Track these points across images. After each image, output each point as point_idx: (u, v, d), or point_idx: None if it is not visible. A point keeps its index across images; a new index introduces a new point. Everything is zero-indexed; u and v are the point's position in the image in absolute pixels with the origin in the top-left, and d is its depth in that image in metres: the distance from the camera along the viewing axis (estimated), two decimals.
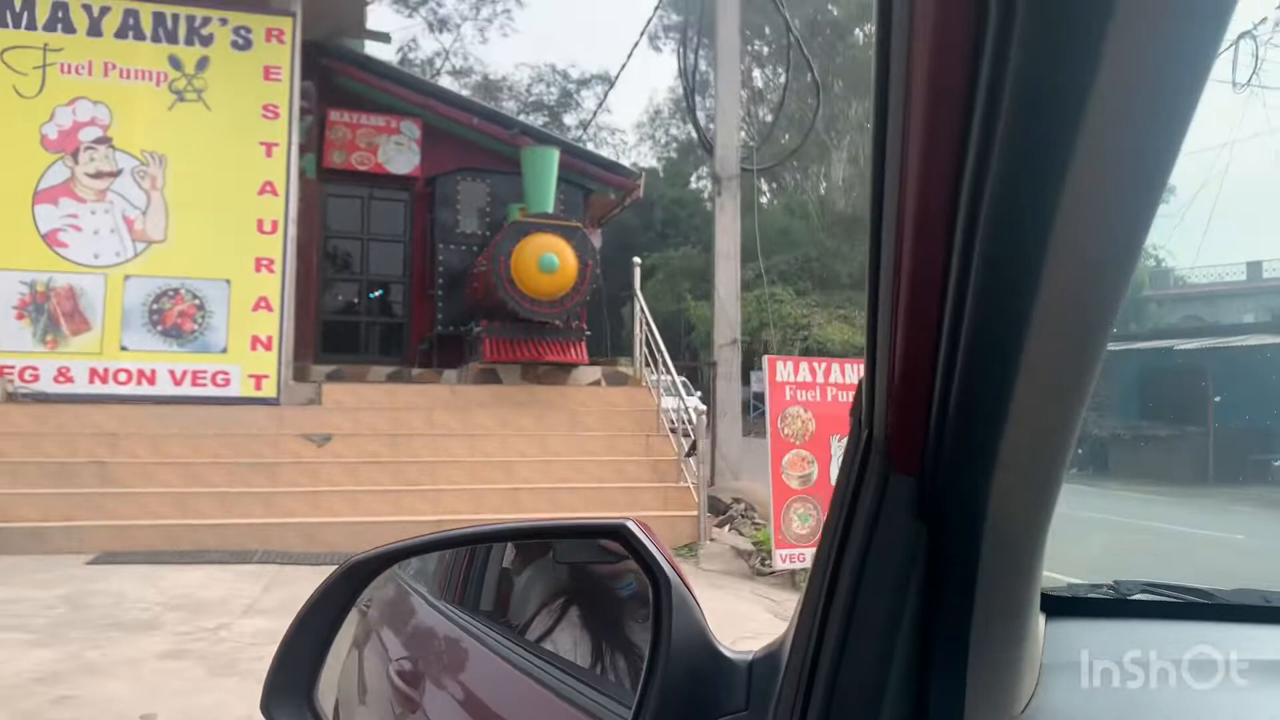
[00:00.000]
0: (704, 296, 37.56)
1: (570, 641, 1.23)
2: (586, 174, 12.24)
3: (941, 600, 0.64)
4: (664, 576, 0.85)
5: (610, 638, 1.16)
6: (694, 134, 13.54)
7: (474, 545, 1.48)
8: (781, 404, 8.17)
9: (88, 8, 9.21)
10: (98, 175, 9.15)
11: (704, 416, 8.62)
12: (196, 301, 9.27)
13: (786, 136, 44.63)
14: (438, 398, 9.84)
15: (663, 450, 9.42)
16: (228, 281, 9.35)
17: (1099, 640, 0.82)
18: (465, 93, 50.90)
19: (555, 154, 10.26)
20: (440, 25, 50.95)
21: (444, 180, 11.57)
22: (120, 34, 9.28)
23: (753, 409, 34.88)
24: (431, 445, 9.11)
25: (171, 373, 9.13)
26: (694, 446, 8.66)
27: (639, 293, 10.73)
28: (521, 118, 52.14)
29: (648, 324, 10.35)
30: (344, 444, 8.97)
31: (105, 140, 9.20)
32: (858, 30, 40.73)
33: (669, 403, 9.84)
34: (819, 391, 8.33)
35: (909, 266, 0.57)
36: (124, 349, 9.04)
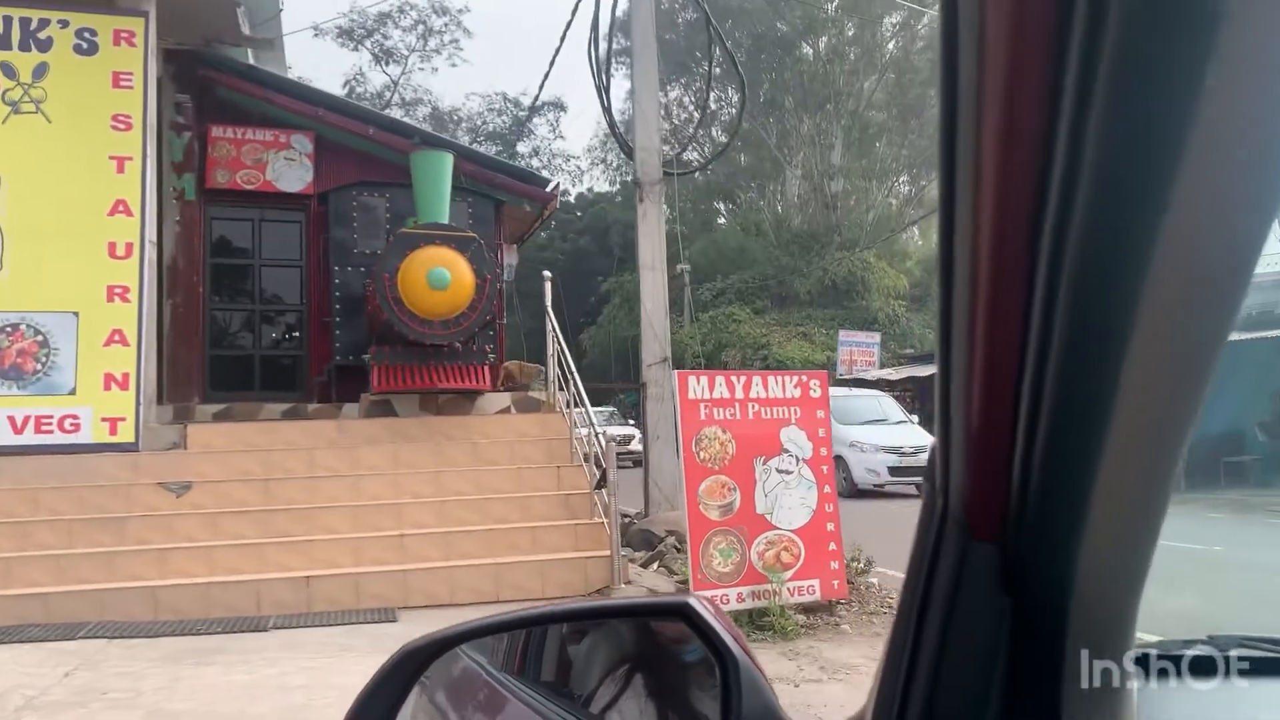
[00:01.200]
0: None
1: (635, 712, 1.17)
2: (497, 185, 11.26)
3: (1029, 674, 0.61)
4: (731, 656, 0.82)
5: (676, 708, 1.11)
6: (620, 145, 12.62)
7: (529, 629, 1.51)
8: (696, 424, 7.19)
9: None
10: None
11: (613, 444, 7.60)
12: (39, 338, 8.18)
13: (740, 153, 44.02)
14: (322, 436, 8.78)
15: (576, 483, 8.39)
16: (75, 314, 8.27)
17: (1197, 704, 0.82)
18: (420, 125, 50.16)
19: (448, 159, 9.27)
20: (386, 57, 50.29)
21: (338, 196, 10.55)
22: None
23: None
24: (309, 490, 8.04)
25: (11, 419, 8.02)
26: (603, 478, 7.65)
27: (550, 310, 9.72)
28: (476, 147, 51.42)
29: (560, 344, 9.33)
30: (206, 493, 7.89)
31: None
32: (805, 45, 40.17)
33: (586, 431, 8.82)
34: (738, 409, 7.36)
35: (985, 312, 0.54)
36: None
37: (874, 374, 28.55)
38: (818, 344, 34.55)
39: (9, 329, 8.12)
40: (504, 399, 9.58)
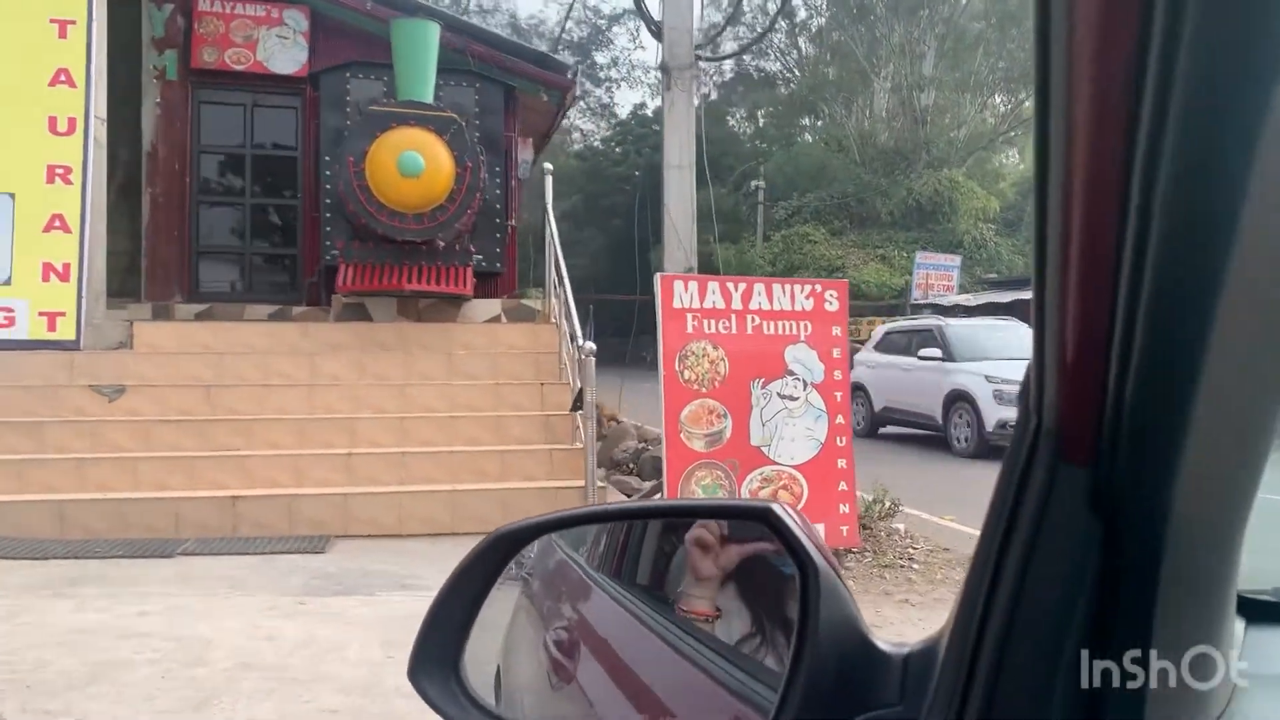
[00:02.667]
0: (727, 239, 35.21)
1: (725, 620, 1.18)
2: (511, 70, 10.06)
3: (1119, 599, 0.61)
4: (812, 563, 0.83)
5: (768, 619, 1.12)
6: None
7: (619, 521, 1.57)
8: (681, 338, 6.07)
9: None
10: None
11: (591, 359, 6.50)
12: None
13: (828, 65, 41.78)
14: (283, 339, 7.87)
15: (561, 402, 7.35)
16: (11, 195, 7.43)
17: None
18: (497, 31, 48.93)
19: (433, 28, 8.12)
20: None
21: (330, 77, 9.49)
22: None
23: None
24: (258, 399, 7.16)
25: None
26: (580, 397, 6.58)
27: (549, 208, 8.58)
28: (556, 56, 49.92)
29: (555, 246, 8.20)
30: (144, 398, 7.06)
31: None
32: None
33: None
34: (734, 321, 6.21)
35: (1080, 228, 0.54)
36: None
37: (951, 299, 26.82)
38: (896, 267, 32.79)
39: None
40: (494, 306, 8.54)
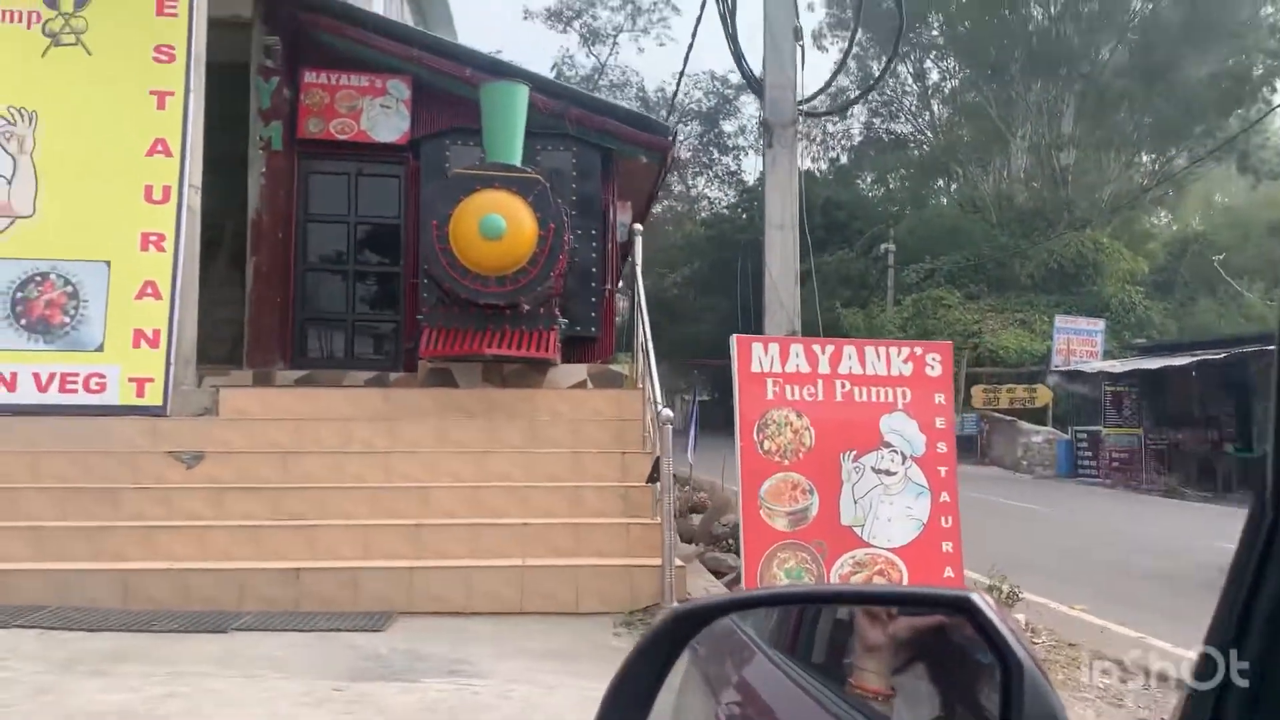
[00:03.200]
0: (855, 304, 34.30)
1: (911, 708, 1.12)
2: (608, 132, 9.87)
3: None
4: (1015, 659, 0.79)
5: (952, 706, 1.07)
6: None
7: (804, 605, 1.56)
8: (760, 405, 5.60)
9: None
10: None
11: (669, 426, 6.06)
12: (69, 288, 7.51)
13: (961, 127, 40.84)
14: (366, 405, 7.71)
15: (643, 473, 6.91)
16: (107, 263, 7.54)
17: None
18: (626, 105, 49.80)
19: (521, 91, 7.97)
20: (594, 38, 49.99)
21: (430, 145, 9.50)
22: None
23: None
24: (335, 466, 6.97)
25: (36, 376, 7.38)
26: (655, 468, 6.14)
27: (638, 269, 8.25)
28: (681, 127, 50.10)
29: (642, 310, 7.84)
30: (223, 464, 6.95)
31: None
32: (1034, 4, 36.47)
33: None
34: (822, 387, 5.70)
35: None
36: None
37: (1094, 366, 25.32)
38: (1037, 332, 31.32)
39: (39, 278, 7.48)
40: (579, 372, 8.22)
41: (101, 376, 7.42)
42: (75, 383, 7.40)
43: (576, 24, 49.79)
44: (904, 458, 5.69)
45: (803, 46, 9.32)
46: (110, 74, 7.69)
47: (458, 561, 6.12)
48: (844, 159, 46.55)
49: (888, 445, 5.67)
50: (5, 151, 7.58)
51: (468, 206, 7.30)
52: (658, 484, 6.14)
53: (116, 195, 7.58)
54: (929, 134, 42.16)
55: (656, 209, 51.09)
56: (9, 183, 7.55)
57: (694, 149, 50.47)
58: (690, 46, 34.61)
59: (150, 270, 7.54)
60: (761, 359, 5.60)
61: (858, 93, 30.19)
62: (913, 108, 43.12)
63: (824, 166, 46.50)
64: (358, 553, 6.29)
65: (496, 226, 7.21)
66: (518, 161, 7.88)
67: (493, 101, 7.86)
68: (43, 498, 6.56)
